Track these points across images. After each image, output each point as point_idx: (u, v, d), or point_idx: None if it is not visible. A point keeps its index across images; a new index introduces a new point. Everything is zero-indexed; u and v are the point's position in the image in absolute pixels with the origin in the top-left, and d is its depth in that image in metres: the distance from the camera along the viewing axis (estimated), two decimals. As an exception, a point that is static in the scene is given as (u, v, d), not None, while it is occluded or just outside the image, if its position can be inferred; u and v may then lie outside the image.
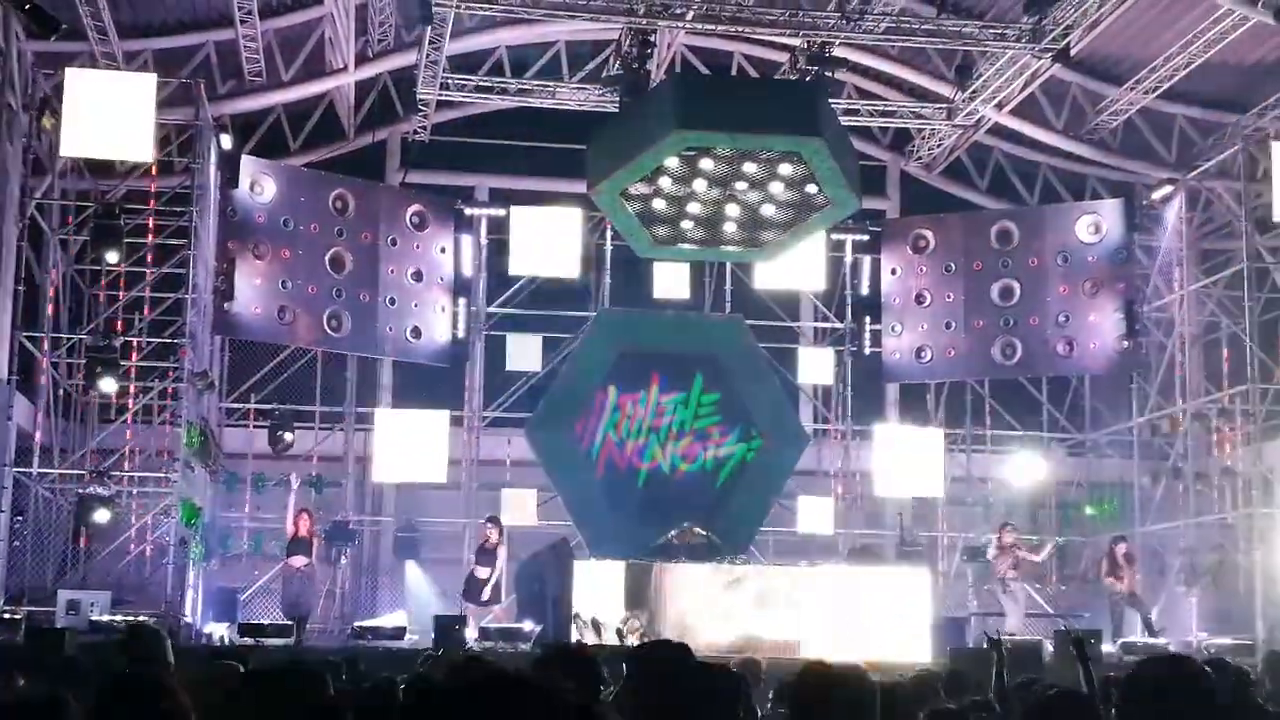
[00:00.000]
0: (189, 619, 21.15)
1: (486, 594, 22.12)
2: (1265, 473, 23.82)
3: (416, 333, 25.08)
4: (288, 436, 24.17)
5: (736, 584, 20.26)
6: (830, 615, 20.12)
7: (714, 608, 19.96)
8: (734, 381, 25.33)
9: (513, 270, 25.61)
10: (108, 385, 21.23)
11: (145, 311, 22.79)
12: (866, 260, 26.83)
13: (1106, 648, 20.97)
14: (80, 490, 20.97)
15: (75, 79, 21.13)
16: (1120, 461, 26.85)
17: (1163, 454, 26.19)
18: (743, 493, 25.14)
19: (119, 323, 22.94)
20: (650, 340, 25.38)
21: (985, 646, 15.07)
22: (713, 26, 22.66)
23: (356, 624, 21.36)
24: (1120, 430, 26.82)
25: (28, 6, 17.83)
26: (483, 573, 22.19)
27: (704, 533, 21.59)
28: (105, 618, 18.95)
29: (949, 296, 26.24)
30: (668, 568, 20.32)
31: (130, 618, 18.97)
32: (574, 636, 18.69)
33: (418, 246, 25.28)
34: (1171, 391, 25.96)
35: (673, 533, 21.47)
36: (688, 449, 25.38)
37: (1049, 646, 20.74)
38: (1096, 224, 25.62)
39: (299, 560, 21.58)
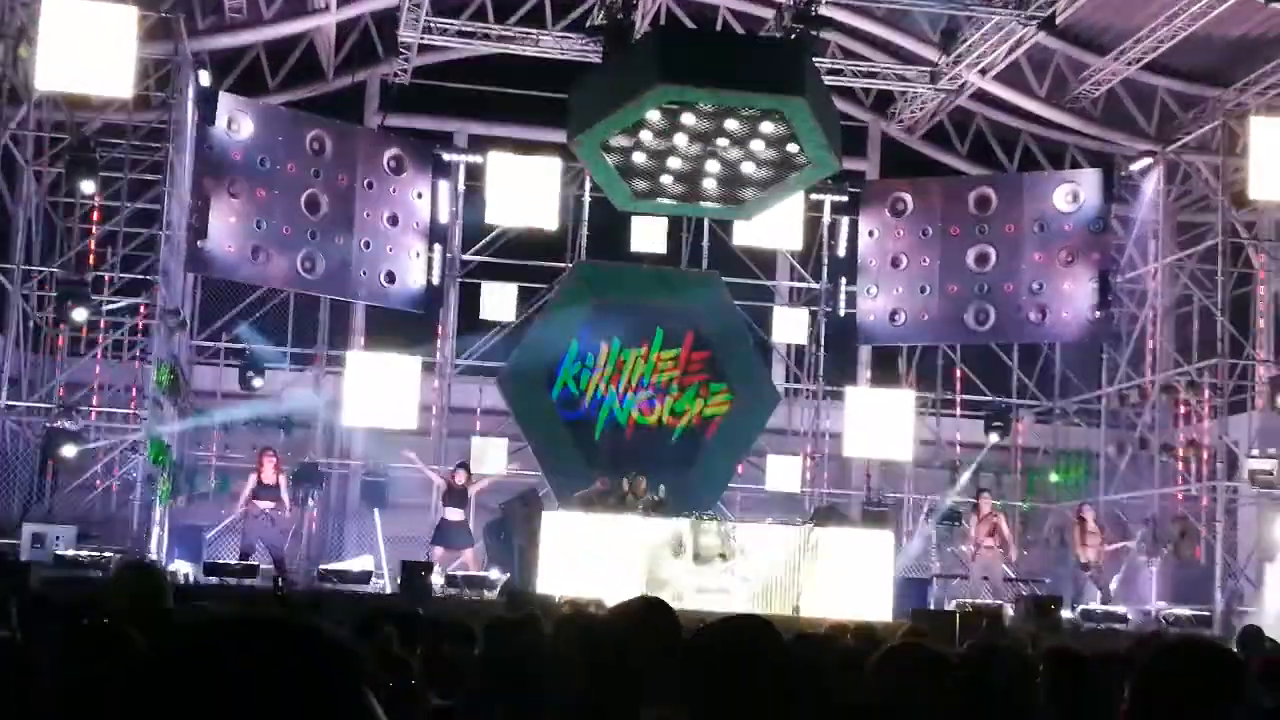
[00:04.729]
0: (154, 556, 21.09)
1: (460, 536, 22.18)
2: (1230, 445, 23.96)
3: (391, 277, 24.97)
4: (257, 382, 24.17)
5: (703, 538, 20.36)
6: (793, 573, 20.26)
7: (676, 564, 20.07)
8: (708, 338, 25.34)
9: (489, 219, 25.51)
10: (79, 315, 21.11)
11: (118, 246, 22.65)
12: (844, 221, 26.78)
13: (1066, 614, 21.15)
14: (48, 424, 20.90)
15: (53, 9, 20.81)
16: (1087, 430, 27.00)
17: (1130, 424, 26.31)
18: (713, 448, 25.20)
19: (91, 257, 22.82)
20: (626, 294, 25.35)
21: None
22: (699, -20, 22.57)
23: (322, 567, 21.36)
24: (1089, 399, 26.95)
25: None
26: (454, 515, 22.21)
27: (655, 495, 21.81)
28: (70, 552, 18.92)
29: (925, 260, 26.23)
30: (626, 519, 20.58)
31: (95, 553, 18.97)
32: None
33: (394, 191, 25.15)
34: (1141, 362, 26.05)
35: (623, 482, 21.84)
36: (646, 403, 25.38)
37: (1010, 611, 21.00)
38: (1075, 193, 25.62)
39: (265, 504, 21.56)
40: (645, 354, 25.29)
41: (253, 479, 21.66)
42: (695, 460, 24.97)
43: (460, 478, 22.32)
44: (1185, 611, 21.86)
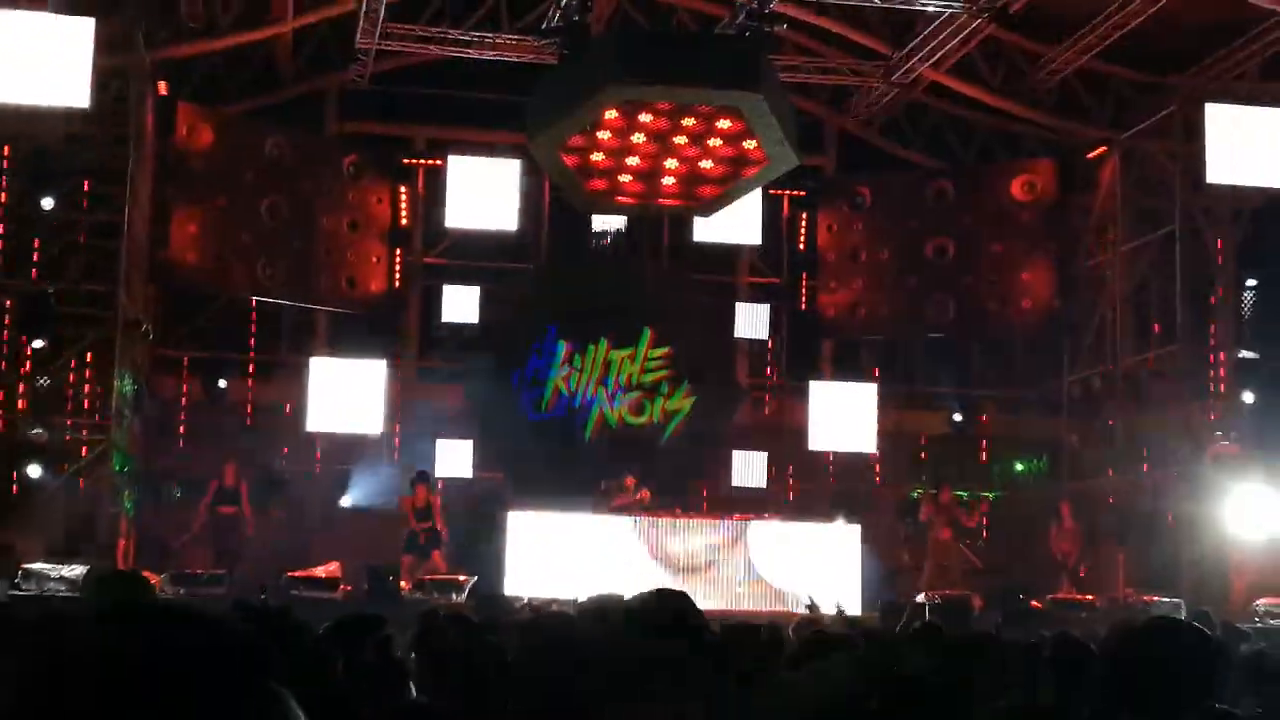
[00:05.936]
0: (122, 568, 21.03)
1: (429, 542, 22.15)
2: (1193, 431, 24.08)
3: (352, 283, 24.99)
4: (221, 384, 24.13)
5: (671, 535, 20.48)
6: (761, 568, 20.37)
7: (646, 565, 20.18)
8: (674, 335, 25.43)
9: (449, 222, 25.54)
10: (38, 343, 21.09)
11: (79, 258, 22.55)
12: (803, 216, 26.90)
13: (1034, 603, 21.23)
14: (11, 438, 20.82)
15: (8, 20, 20.76)
16: (1050, 418, 27.10)
17: (1092, 411, 26.42)
18: (681, 446, 25.28)
19: (51, 269, 22.72)
20: (589, 293, 25.40)
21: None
22: (653, -21, 22.62)
23: (288, 573, 21.30)
24: (1051, 387, 27.06)
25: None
26: (422, 525, 22.18)
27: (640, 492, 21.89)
28: (36, 565, 18.85)
29: (884, 254, 26.37)
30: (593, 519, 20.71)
31: (62, 566, 18.90)
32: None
33: (354, 196, 25.18)
34: (1102, 350, 26.17)
35: (611, 482, 21.84)
36: (634, 403, 25.43)
37: (977, 602, 21.08)
38: (1031, 183, 25.79)
39: (227, 510, 21.64)
40: (634, 354, 25.32)
41: (214, 485, 21.75)
42: (667, 459, 25.07)
43: (420, 495, 22.23)
44: (1153, 598, 21.95)
